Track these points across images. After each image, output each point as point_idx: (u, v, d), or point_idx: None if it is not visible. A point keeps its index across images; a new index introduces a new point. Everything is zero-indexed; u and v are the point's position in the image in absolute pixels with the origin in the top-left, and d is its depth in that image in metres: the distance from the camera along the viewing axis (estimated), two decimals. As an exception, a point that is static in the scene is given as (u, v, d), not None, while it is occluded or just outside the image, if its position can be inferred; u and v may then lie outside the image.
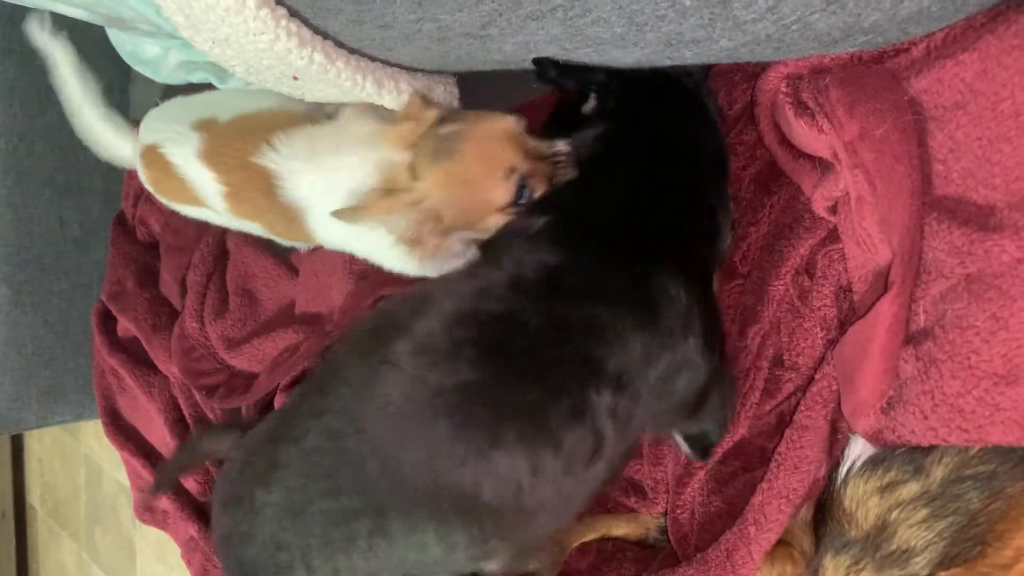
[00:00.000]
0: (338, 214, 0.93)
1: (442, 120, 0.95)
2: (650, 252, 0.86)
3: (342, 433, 0.81)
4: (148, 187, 1.23)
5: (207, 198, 1.12)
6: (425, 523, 0.78)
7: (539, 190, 0.93)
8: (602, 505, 1.13)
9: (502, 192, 0.91)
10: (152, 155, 1.15)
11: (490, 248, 0.93)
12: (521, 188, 0.92)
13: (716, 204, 0.95)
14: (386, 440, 0.79)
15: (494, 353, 0.79)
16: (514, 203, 0.92)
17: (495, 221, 0.93)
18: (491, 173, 0.91)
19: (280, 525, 0.81)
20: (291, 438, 0.83)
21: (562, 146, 0.94)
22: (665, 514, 1.06)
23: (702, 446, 1.01)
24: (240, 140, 1.05)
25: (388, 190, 0.93)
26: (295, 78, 0.93)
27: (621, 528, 1.10)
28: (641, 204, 0.90)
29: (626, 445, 0.88)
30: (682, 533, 1.01)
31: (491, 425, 0.77)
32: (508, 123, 0.93)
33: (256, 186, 1.05)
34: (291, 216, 1.04)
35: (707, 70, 1.03)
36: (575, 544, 1.10)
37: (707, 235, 0.93)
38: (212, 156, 1.08)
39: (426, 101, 0.98)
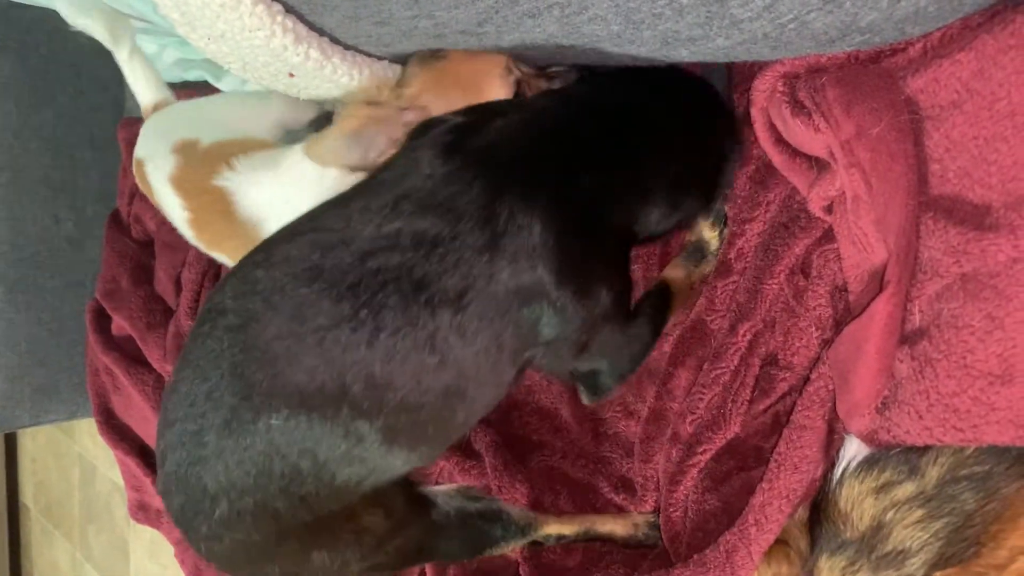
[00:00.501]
0: (318, 141, 0.93)
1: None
2: (517, 183, 0.86)
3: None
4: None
5: (177, 224, 1.12)
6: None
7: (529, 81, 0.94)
8: (590, 503, 1.13)
9: (500, 90, 0.92)
10: (139, 170, 1.15)
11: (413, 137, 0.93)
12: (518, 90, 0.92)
13: (653, 186, 0.94)
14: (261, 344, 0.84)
15: (323, 268, 0.84)
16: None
17: None
18: (489, 71, 0.91)
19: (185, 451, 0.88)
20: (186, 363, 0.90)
21: (555, 68, 0.95)
22: (656, 512, 1.07)
23: (592, 385, 1.02)
24: (207, 165, 1.05)
25: (371, 102, 0.91)
26: (291, 75, 0.93)
27: (607, 525, 1.10)
28: (547, 145, 0.90)
29: (490, 364, 0.88)
30: (674, 531, 1.01)
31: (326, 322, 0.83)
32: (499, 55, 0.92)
33: (216, 209, 1.04)
34: (252, 236, 1.02)
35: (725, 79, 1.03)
36: (553, 532, 1.09)
37: (619, 203, 0.93)
38: (180, 181, 1.07)
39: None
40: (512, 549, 1.08)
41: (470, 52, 0.91)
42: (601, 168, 0.90)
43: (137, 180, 1.18)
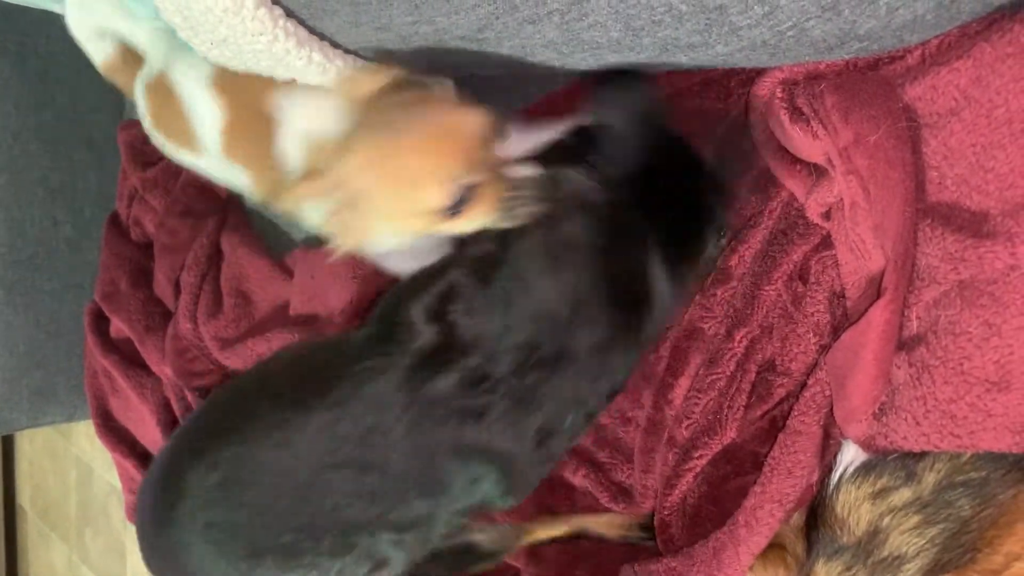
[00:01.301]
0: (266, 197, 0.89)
1: (402, 87, 0.82)
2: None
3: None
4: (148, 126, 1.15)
5: (201, 131, 1.04)
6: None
7: (480, 206, 0.80)
8: (591, 511, 1.13)
9: (435, 195, 0.79)
10: (160, 85, 1.08)
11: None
12: (460, 200, 0.79)
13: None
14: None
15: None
16: (446, 211, 0.79)
17: (421, 223, 0.82)
18: (430, 171, 0.78)
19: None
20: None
21: (527, 172, 0.83)
22: (650, 513, 1.07)
23: None
24: (257, 83, 0.97)
25: (313, 170, 0.82)
26: (294, 80, 0.93)
27: (601, 526, 1.11)
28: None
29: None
30: (669, 535, 1.02)
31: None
32: (470, 121, 0.79)
33: (256, 130, 0.97)
34: (279, 171, 0.95)
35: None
36: (542, 536, 1.10)
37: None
38: (225, 85, 0.99)
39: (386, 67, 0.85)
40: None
41: (431, 132, 0.79)
42: None
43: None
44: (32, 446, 3.29)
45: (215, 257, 1.47)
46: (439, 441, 0.86)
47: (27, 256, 1.75)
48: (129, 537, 2.74)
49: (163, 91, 1.07)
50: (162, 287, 1.54)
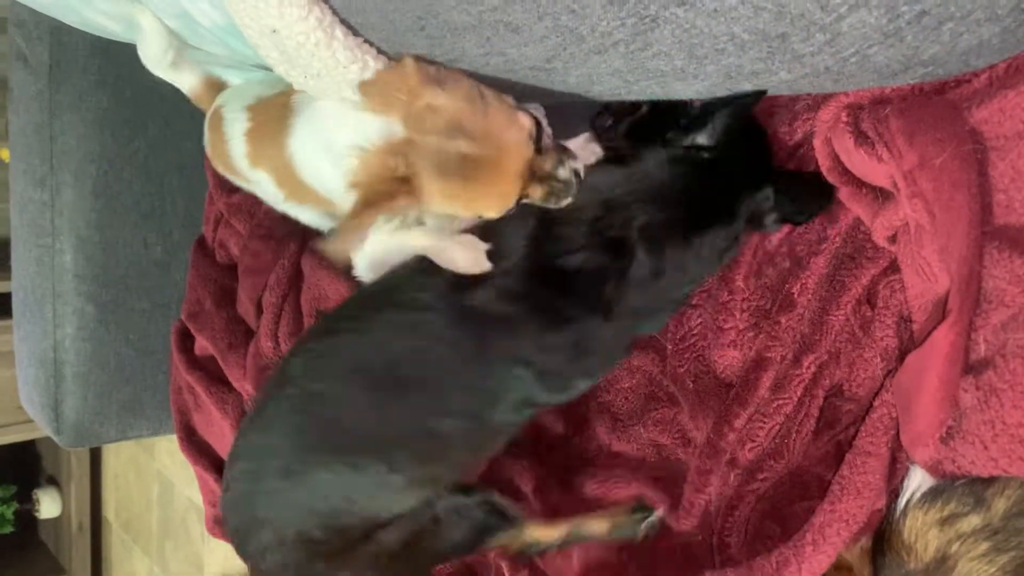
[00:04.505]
0: (330, 241, 0.97)
1: (449, 119, 0.88)
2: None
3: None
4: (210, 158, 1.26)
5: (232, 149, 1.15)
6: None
7: (532, 198, 0.93)
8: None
9: (496, 212, 0.93)
10: (214, 117, 1.18)
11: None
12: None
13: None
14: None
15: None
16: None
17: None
18: (495, 202, 0.92)
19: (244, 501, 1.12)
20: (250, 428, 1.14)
21: (572, 170, 0.93)
22: (642, 508, 1.10)
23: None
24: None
25: (377, 202, 0.90)
26: None
27: (592, 526, 1.10)
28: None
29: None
30: (728, 554, 1.01)
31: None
32: (522, 140, 0.89)
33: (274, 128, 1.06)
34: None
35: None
36: (540, 538, 1.11)
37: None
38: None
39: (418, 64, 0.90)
40: (508, 542, 1.11)
41: (494, 171, 0.90)
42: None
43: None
44: (118, 461, 3.40)
45: (296, 279, 1.50)
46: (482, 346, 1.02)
47: (119, 276, 1.82)
48: (207, 551, 2.81)
49: (214, 121, 1.16)
50: (245, 307, 1.58)
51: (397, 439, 1.04)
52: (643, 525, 1.08)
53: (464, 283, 0.99)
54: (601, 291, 0.99)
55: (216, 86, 1.27)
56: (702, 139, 1.00)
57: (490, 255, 0.98)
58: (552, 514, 1.14)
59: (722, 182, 1.02)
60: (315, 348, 1.13)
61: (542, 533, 1.10)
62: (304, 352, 1.14)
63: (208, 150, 1.25)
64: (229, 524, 1.15)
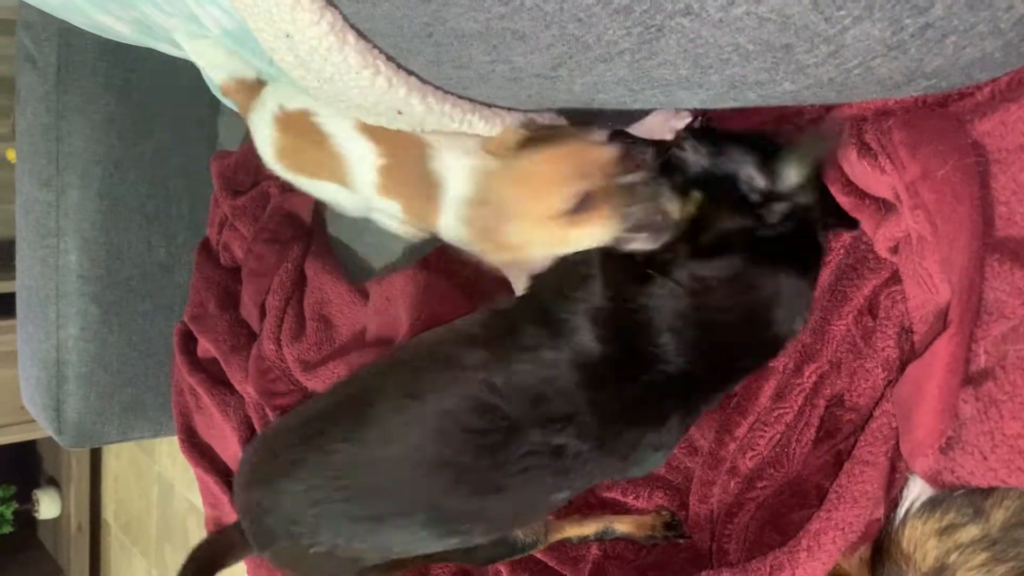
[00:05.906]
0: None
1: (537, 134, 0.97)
2: None
3: (365, 462, 1.02)
4: (270, 156, 1.21)
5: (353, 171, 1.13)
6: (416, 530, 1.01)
7: (599, 213, 0.93)
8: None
9: (558, 198, 0.93)
10: (296, 121, 1.15)
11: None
12: (580, 204, 0.93)
13: None
14: (398, 470, 1.01)
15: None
16: (569, 213, 0.93)
17: (551, 229, 0.95)
18: (554, 178, 0.93)
19: (297, 507, 1.04)
20: (319, 446, 1.04)
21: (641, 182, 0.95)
22: (670, 512, 1.13)
23: None
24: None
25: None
26: (399, 112, 0.97)
27: (627, 526, 1.14)
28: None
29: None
30: (727, 560, 1.02)
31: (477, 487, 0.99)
32: (593, 146, 0.95)
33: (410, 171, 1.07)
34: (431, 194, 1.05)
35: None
36: (571, 534, 1.15)
37: None
38: (370, 128, 1.09)
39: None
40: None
41: (567, 145, 0.95)
42: None
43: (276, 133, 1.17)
44: (118, 462, 3.40)
45: (299, 282, 1.51)
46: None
47: (123, 278, 1.83)
48: (206, 553, 2.80)
49: (298, 125, 1.14)
50: (248, 310, 1.59)
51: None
52: (670, 535, 1.12)
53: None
54: None
55: (248, 83, 1.24)
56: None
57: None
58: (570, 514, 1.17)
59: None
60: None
61: (573, 531, 1.15)
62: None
63: (267, 148, 1.20)
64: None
